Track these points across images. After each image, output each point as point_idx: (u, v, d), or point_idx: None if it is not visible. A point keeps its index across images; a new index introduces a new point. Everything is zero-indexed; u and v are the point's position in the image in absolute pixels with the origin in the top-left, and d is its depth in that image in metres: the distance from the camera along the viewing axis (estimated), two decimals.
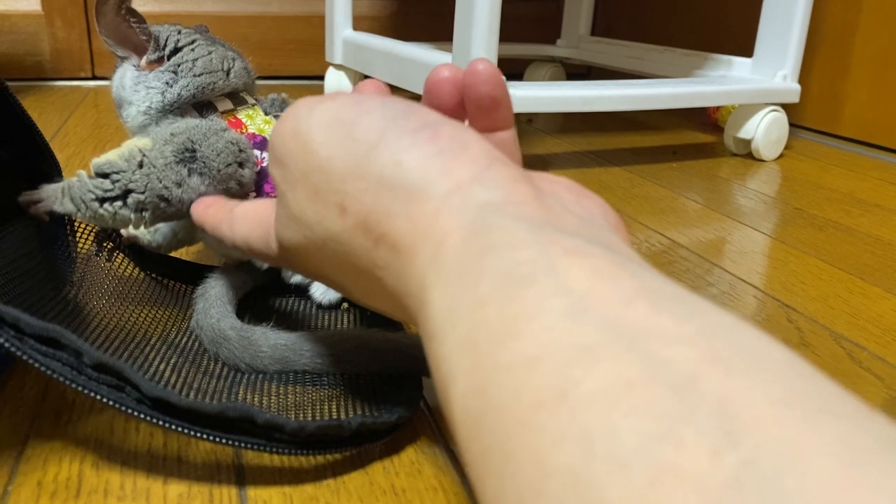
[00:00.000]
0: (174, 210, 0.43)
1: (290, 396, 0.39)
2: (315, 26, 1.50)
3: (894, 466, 0.13)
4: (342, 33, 1.21)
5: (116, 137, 0.44)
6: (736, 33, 1.35)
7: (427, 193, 0.24)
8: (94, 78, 1.45)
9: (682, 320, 0.17)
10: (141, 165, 0.42)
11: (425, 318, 0.23)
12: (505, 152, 0.33)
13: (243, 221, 0.37)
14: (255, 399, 0.38)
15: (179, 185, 0.42)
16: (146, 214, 0.43)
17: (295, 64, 1.53)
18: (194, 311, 0.44)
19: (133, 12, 0.45)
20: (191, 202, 0.43)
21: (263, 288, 0.50)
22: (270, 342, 0.41)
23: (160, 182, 0.42)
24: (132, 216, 0.43)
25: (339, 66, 1.24)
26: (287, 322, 0.46)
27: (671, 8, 1.54)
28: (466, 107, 0.33)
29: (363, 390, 0.40)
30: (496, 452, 0.18)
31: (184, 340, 0.43)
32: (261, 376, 0.41)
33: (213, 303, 0.45)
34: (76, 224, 0.50)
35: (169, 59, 0.46)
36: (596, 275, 0.19)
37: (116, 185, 0.42)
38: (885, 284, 0.61)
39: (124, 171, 0.42)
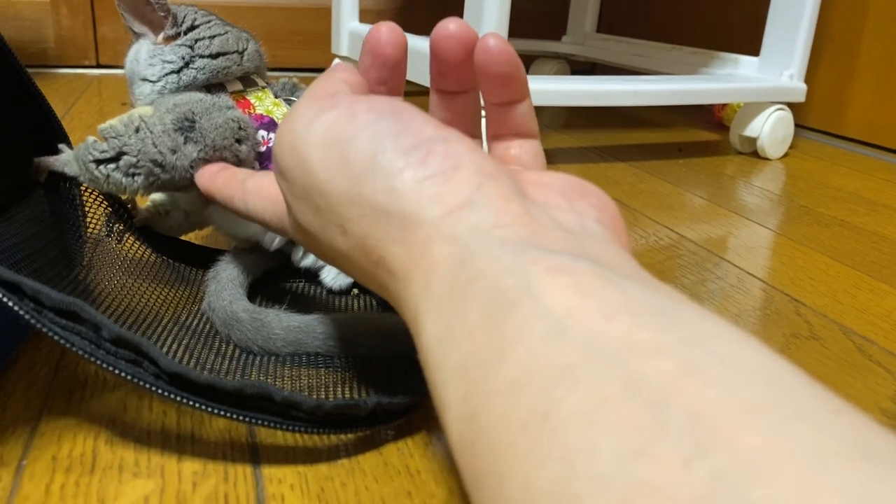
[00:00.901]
0: (168, 178, 0.43)
1: (303, 379, 0.39)
2: (322, 18, 1.50)
3: (858, 470, 0.14)
4: (348, 25, 1.21)
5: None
6: (742, 32, 1.35)
7: (419, 220, 0.24)
8: (99, 66, 1.45)
9: (661, 332, 0.18)
10: (137, 130, 0.43)
11: (421, 346, 0.23)
12: (521, 125, 0.33)
13: (257, 198, 0.36)
14: (269, 381, 0.38)
15: (174, 151, 0.42)
16: (138, 179, 0.43)
17: (301, 55, 1.53)
18: (206, 294, 0.44)
19: None
20: (184, 170, 0.43)
21: (274, 272, 0.50)
22: (283, 324, 0.41)
23: (155, 147, 0.42)
24: (123, 180, 0.43)
25: (344, 58, 1.24)
26: (298, 306, 0.46)
27: (677, 6, 1.54)
28: (479, 81, 0.32)
29: (376, 373, 0.40)
30: (489, 476, 0.18)
31: (195, 322, 0.43)
32: (273, 359, 0.41)
33: (225, 285, 0.44)
34: (87, 206, 0.50)
35: (185, 35, 0.45)
36: (579, 292, 0.19)
37: (111, 146, 0.43)
38: (893, 281, 0.61)
39: (121, 135, 0.43)
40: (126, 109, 0.49)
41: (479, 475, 0.19)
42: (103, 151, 0.43)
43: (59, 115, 0.48)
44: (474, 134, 0.36)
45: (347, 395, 0.37)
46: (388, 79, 0.33)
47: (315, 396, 0.37)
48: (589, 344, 0.18)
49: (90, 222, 0.49)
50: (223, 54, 0.46)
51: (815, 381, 0.16)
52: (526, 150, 0.34)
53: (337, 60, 1.25)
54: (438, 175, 0.24)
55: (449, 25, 0.31)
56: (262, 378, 0.38)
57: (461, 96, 0.34)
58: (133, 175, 0.43)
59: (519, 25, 1.37)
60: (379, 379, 0.39)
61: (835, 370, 0.46)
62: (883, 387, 0.44)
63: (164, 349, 0.38)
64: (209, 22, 0.46)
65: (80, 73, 1.40)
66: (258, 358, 0.41)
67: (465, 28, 0.31)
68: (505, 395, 0.18)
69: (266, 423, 0.32)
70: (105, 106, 1.14)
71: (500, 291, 0.20)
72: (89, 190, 0.48)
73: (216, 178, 0.41)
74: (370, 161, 0.25)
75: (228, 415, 0.31)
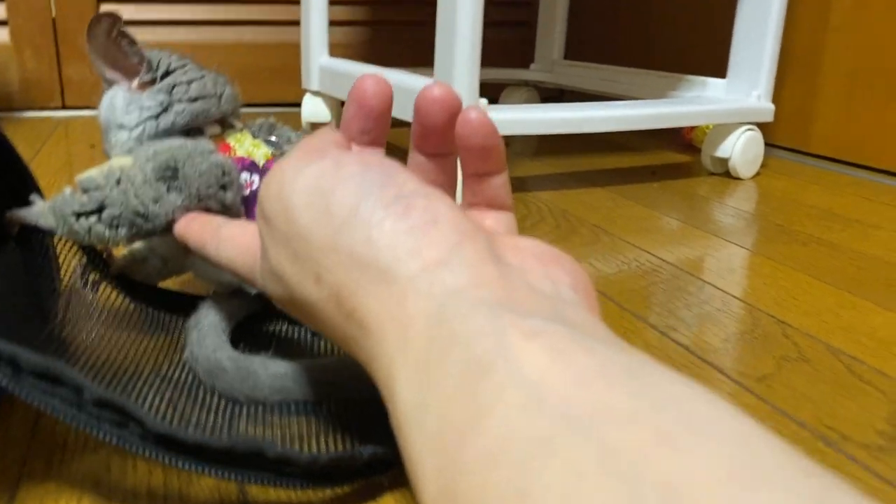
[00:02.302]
0: (151, 226, 0.42)
1: (293, 427, 0.38)
2: (290, 54, 1.50)
3: None
4: (318, 60, 1.21)
5: (90, 167, 0.44)
6: (708, 54, 1.37)
7: (395, 274, 0.24)
8: (65, 108, 1.43)
9: (633, 397, 0.18)
10: (119, 182, 0.42)
11: (394, 409, 0.23)
12: (496, 197, 0.34)
13: (230, 245, 0.36)
14: (259, 432, 0.37)
15: (156, 200, 0.42)
16: (122, 231, 0.42)
17: (271, 91, 1.53)
18: (188, 343, 0.43)
19: (125, 35, 0.44)
20: (167, 218, 0.42)
21: (256, 315, 0.49)
22: (269, 371, 0.40)
23: (137, 198, 0.41)
24: (106, 232, 0.42)
25: (315, 93, 1.24)
26: (283, 350, 0.45)
27: (643, 30, 1.57)
28: (459, 151, 0.33)
29: (368, 419, 0.39)
30: None
31: (177, 374, 0.42)
32: (261, 407, 0.39)
33: (207, 333, 0.43)
34: (60, 257, 0.48)
35: (162, 80, 0.45)
36: (553, 357, 0.19)
37: (93, 199, 0.42)
38: (875, 298, 0.62)
39: (102, 187, 0.42)
40: (95, 151, 0.48)
41: None
42: (84, 204, 0.42)
43: (26, 159, 0.47)
44: (451, 196, 0.36)
45: (341, 447, 0.36)
46: (372, 129, 0.34)
47: (307, 447, 0.36)
48: (564, 414, 0.18)
49: (64, 273, 0.48)
50: (202, 98, 0.45)
51: (784, 443, 0.17)
52: (500, 222, 0.34)
53: (308, 95, 1.25)
54: (417, 228, 0.25)
55: (434, 90, 0.32)
56: (251, 429, 0.37)
57: (440, 158, 0.35)
58: (116, 227, 0.42)
59: (488, 54, 1.38)
60: (371, 425, 0.38)
61: (828, 392, 0.46)
62: (877, 408, 0.44)
63: (147, 405, 0.37)
64: (184, 66, 0.46)
65: (46, 116, 1.38)
66: (245, 408, 0.39)
67: (448, 93, 0.32)
68: (481, 468, 0.18)
69: (258, 480, 0.31)
70: (73, 147, 1.12)
71: (475, 355, 0.20)
72: (63, 240, 0.47)
73: (191, 224, 0.41)
74: (352, 210, 0.26)
75: (219, 474, 0.30)
